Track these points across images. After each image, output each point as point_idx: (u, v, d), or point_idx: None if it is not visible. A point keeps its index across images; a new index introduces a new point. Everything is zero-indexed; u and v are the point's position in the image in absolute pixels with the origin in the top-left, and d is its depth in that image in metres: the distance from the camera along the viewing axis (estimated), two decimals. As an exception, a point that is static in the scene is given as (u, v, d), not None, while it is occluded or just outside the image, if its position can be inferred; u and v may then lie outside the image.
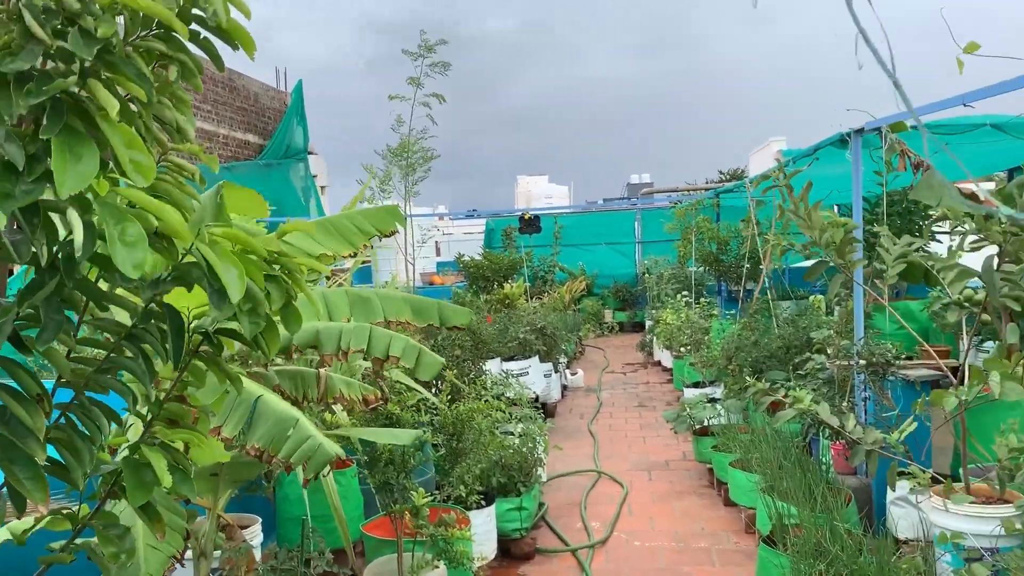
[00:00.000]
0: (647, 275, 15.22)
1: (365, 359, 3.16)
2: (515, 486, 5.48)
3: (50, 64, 1.27)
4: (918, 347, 5.30)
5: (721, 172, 32.98)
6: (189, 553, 3.32)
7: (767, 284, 8.33)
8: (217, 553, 3.56)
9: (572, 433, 8.89)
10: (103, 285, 1.43)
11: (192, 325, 1.53)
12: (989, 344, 5.68)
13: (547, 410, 9.45)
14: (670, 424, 7.27)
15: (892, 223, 6.56)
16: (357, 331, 3.07)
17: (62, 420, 1.46)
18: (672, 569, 5.11)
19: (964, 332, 5.06)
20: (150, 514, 1.48)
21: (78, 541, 1.59)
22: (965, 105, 4.14)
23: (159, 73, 1.37)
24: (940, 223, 6.91)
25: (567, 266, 17.10)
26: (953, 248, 3.77)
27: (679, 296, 11.24)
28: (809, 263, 3.94)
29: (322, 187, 16.60)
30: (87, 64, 1.24)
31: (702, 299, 11.04)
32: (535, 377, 9.31)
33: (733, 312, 10.21)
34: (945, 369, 4.13)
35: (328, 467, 2.49)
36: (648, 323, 13.76)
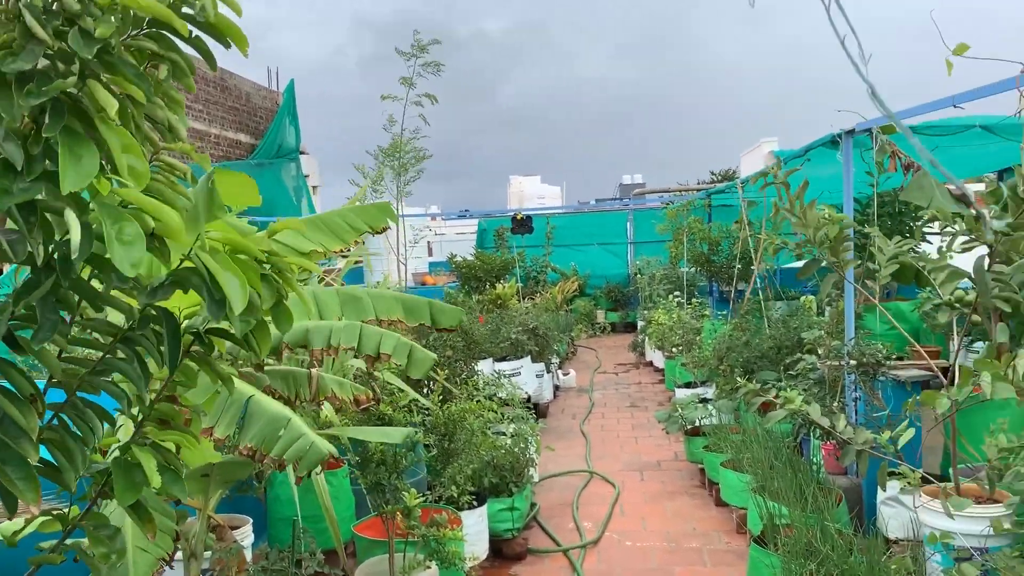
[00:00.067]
0: (639, 275, 15.25)
1: (356, 357, 3.15)
2: (507, 486, 5.48)
3: (48, 64, 1.27)
4: (909, 347, 5.32)
5: (713, 173, 33.06)
6: (179, 554, 3.31)
7: (758, 284, 8.35)
8: (208, 554, 3.54)
9: (564, 433, 8.90)
10: (96, 285, 1.43)
11: (183, 325, 1.53)
12: (979, 344, 5.70)
13: (539, 410, 9.46)
14: (662, 424, 7.28)
15: (883, 224, 6.59)
16: (347, 329, 3.06)
17: (55, 421, 1.46)
18: (664, 569, 5.12)
19: (955, 333, 5.08)
20: (140, 514, 1.47)
21: (68, 542, 1.59)
22: (955, 106, 4.16)
23: (150, 73, 1.37)
24: (930, 224, 6.95)
25: (559, 266, 17.11)
26: (943, 249, 3.79)
27: (671, 297, 11.26)
28: (800, 264, 3.95)
29: (314, 187, 16.57)
30: (87, 65, 1.24)
31: (694, 300, 11.07)
32: (527, 377, 9.31)
33: (724, 312, 10.24)
34: (936, 369, 4.15)
35: (320, 467, 2.48)
36: (640, 323, 13.78)
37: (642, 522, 6.00)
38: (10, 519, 1.40)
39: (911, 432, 3.43)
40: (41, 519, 1.59)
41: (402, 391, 5.00)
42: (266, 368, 3.15)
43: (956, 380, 3.13)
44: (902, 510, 4.39)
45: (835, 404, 5.10)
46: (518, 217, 14.78)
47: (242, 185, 1.77)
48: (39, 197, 1.24)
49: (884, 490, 4.43)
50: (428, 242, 21.50)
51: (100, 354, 1.48)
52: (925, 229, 6.69)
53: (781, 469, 4.72)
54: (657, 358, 12.07)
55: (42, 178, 1.23)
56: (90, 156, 1.21)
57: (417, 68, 8.23)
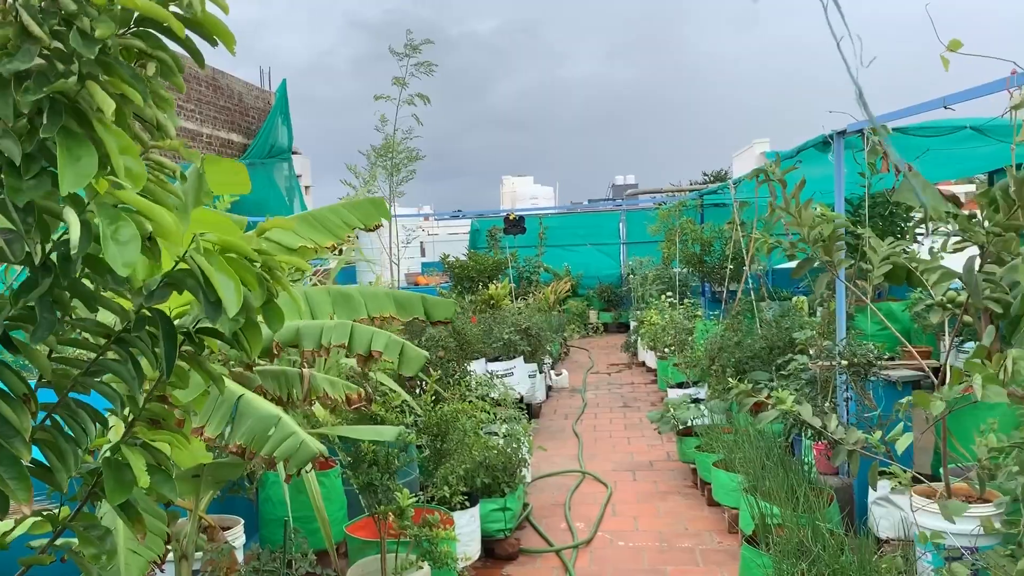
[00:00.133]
0: (632, 276, 15.27)
1: (348, 356, 3.14)
2: (499, 487, 5.48)
3: (45, 65, 1.27)
4: (900, 348, 5.34)
5: (705, 174, 33.17)
6: (170, 555, 3.30)
7: (749, 285, 8.36)
8: (199, 555, 3.53)
9: (557, 434, 8.90)
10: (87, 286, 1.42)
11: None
12: (970, 344, 5.73)
13: (532, 411, 9.46)
14: (654, 424, 7.29)
15: (874, 224, 6.61)
16: (338, 328, 3.05)
17: (47, 422, 1.45)
18: (656, 569, 5.13)
19: (946, 333, 5.10)
20: (130, 514, 1.47)
21: (59, 542, 1.58)
22: (946, 107, 4.17)
23: (139, 72, 1.37)
24: (921, 224, 6.97)
25: (552, 267, 17.11)
26: (935, 249, 3.80)
27: (663, 297, 11.28)
28: (792, 264, 3.96)
29: (306, 187, 16.54)
30: (85, 65, 1.24)
31: (686, 300, 11.09)
32: (520, 378, 9.31)
33: (717, 313, 10.26)
34: (927, 369, 4.16)
35: (311, 466, 2.48)
36: (633, 324, 13.79)
37: (634, 522, 6.00)
38: (0, 519, 1.39)
39: (909, 437, 3.44)
40: (32, 520, 1.59)
41: (394, 392, 4.99)
42: (258, 368, 3.14)
43: (947, 380, 3.14)
44: (893, 510, 4.40)
45: (826, 404, 5.12)
46: (511, 217, 14.78)
47: (232, 172, 1.77)
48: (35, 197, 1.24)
49: (875, 490, 4.45)
50: (421, 242, 21.47)
51: (89, 354, 1.47)
52: (916, 230, 6.71)
53: (773, 469, 4.73)
54: (650, 358, 12.08)
55: (42, 175, 1.23)
56: (88, 156, 1.22)
57: (410, 68, 8.22)
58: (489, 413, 5.74)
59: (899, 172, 5.00)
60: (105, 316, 1.50)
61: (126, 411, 1.54)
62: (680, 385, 8.68)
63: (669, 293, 11.59)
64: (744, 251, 8.72)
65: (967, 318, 3.54)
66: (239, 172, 1.80)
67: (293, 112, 15.70)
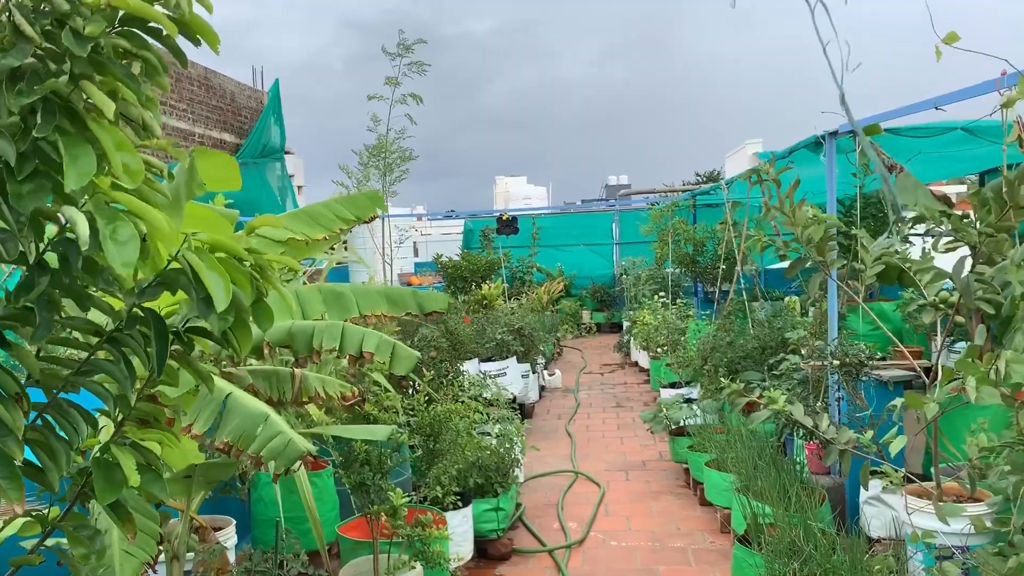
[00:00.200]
0: (625, 276, 15.28)
1: (339, 357, 3.13)
2: (492, 487, 5.47)
3: (38, 64, 1.27)
4: (891, 347, 5.35)
5: (698, 174, 33.23)
6: (162, 556, 3.28)
7: (741, 285, 8.38)
8: (190, 555, 3.52)
9: (549, 434, 8.90)
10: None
11: (164, 324, 1.52)
12: (961, 344, 5.75)
13: (525, 411, 9.46)
14: (647, 424, 7.29)
15: (866, 225, 6.63)
16: (330, 329, 3.03)
17: (38, 421, 1.45)
18: (648, 569, 5.13)
19: (938, 333, 5.12)
20: (120, 514, 1.46)
21: (51, 543, 1.57)
22: (937, 108, 4.19)
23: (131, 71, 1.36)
24: (912, 225, 6.99)
25: (545, 267, 17.11)
26: (927, 250, 3.81)
27: (656, 297, 11.29)
28: (784, 264, 3.97)
29: (299, 187, 16.49)
30: (77, 65, 1.24)
31: (679, 300, 11.10)
32: (513, 378, 9.30)
33: (709, 313, 10.27)
34: (918, 369, 4.17)
35: (299, 464, 2.47)
36: (625, 324, 13.80)
37: (627, 522, 6.01)
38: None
39: (902, 440, 3.45)
40: (23, 520, 1.58)
41: (387, 391, 4.98)
42: (249, 368, 3.13)
43: (938, 380, 3.14)
44: (884, 509, 4.42)
45: (818, 404, 5.13)
46: (504, 218, 14.78)
47: (223, 166, 1.76)
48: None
49: (867, 489, 4.46)
50: (414, 243, 21.45)
51: (79, 353, 1.46)
52: (907, 230, 6.71)
53: (765, 469, 4.74)
54: (642, 358, 12.09)
55: (37, 176, 1.24)
56: (86, 155, 1.23)
57: (403, 68, 8.21)
58: (482, 413, 5.74)
59: (893, 170, 5.02)
60: (95, 316, 1.49)
61: (116, 411, 1.54)
62: (673, 385, 8.69)
63: (662, 293, 11.60)
64: (736, 251, 8.74)
65: (959, 318, 3.55)
66: (230, 166, 1.79)
67: (286, 112, 15.65)
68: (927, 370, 4.46)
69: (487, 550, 5.40)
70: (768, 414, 3.74)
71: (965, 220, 3.22)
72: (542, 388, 11.17)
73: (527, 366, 9.90)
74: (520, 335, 9.74)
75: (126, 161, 1.27)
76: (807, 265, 3.85)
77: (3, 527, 1.61)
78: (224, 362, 3.05)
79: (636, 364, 12.91)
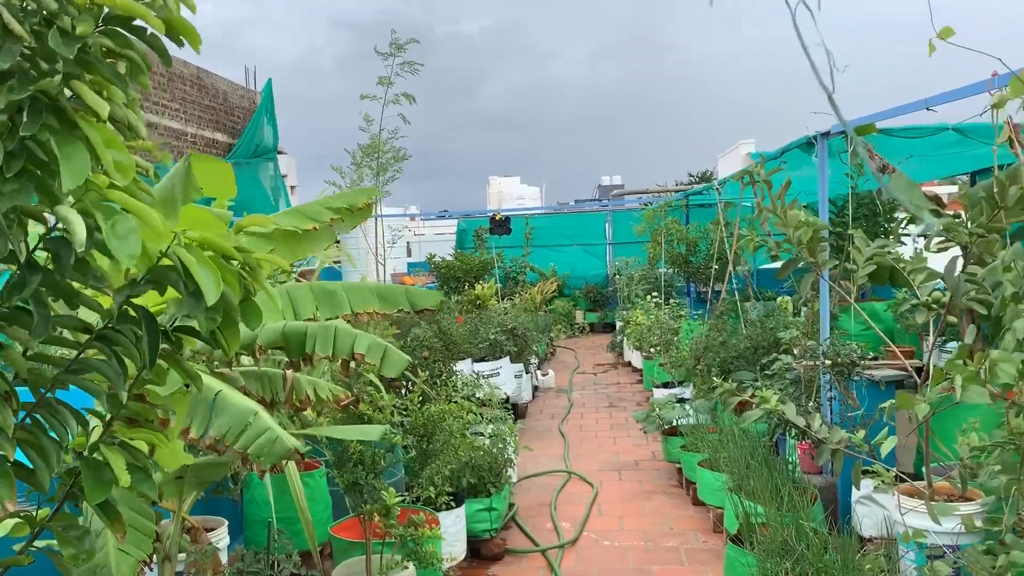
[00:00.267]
0: (618, 276, 15.30)
1: (331, 361, 3.12)
2: (485, 487, 5.47)
3: (26, 64, 1.27)
4: (883, 347, 5.37)
5: (691, 174, 33.29)
6: (153, 557, 3.27)
7: (733, 285, 8.39)
8: (182, 556, 3.51)
9: (543, 434, 8.91)
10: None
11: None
12: (952, 344, 5.77)
13: (518, 411, 9.45)
14: (640, 424, 7.31)
15: (858, 225, 6.65)
16: (322, 332, 3.02)
17: (27, 420, 1.44)
18: (641, 569, 5.14)
19: (930, 333, 5.14)
20: (109, 514, 1.45)
21: (41, 544, 1.57)
22: (928, 109, 4.20)
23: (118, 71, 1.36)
24: (905, 225, 7.01)
25: (538, 267, 17.12)
26: (919, 250, 3.83)
27: (649, 297, 11.31)
28: (777, 265, 3.98)
29: (292, 186, 16.47)
30: (65, 64, 1.24)
31: (672, 300, 11.12)
32: (506, 378, 9.30)
33: (702, 313, 10.29)
34: (910, 369, 4.19)
35: (294, 465, 2.46)
36: (619, 324, 13.82)
37: (620, 522, 6.01)
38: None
39: (893, 441, 3.46)
40: (12, 522, 1.57)
41: (381, 393, 4.98)
42: (241, 369, 3.12)
43: (930, 380, 3.15)
44: (876, 509, 4.43)
45: (810, 404, 5.14)
46: (497, 218, 14.78)
47: (218, 173, 1.76)
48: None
49: (858, 489, 4.47)
50: (407, 243, 21.42)
51: (67, 351, 1.46)
52: (899, 230, 6.76)
53: (757, 468, 4.75)
54: (635, 358, 12.11)
55: (23, 176, 1.23)
56: (80, 154, 1.23)
57: (395, 68, 8.19)
58: (475, 413, 5.73)
59: (885, 171, 5.04)
60: (86, 315, 1.49)
61: (107, 409, 1.53)
62: (665, 385, 8.70)
63: (655, 293, 11.62)
64: (728, 251, 8.75)
65: (951, 318, 3.56)
66: (225, 172, 1.79)
67: (279, 112, 15.63)
68: (919, 370, 4.48)
69: (480, 550, 5.40)
70: (760, 413, 3.74)
71: (956, 220, 3.23)
72: (535, 388, 11.17)
73: (520, 366, 9.90)
74: (513, 335, 9.74)
75: (117, 159, 1.27)
76: (799, 266, 3.86)
77: (-8, 528, 1.61)
78: (216, 362, 3.04)
79: (629, 364, 12.92)
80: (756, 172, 3.96)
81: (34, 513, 1.54)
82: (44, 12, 1.24)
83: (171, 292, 1.45)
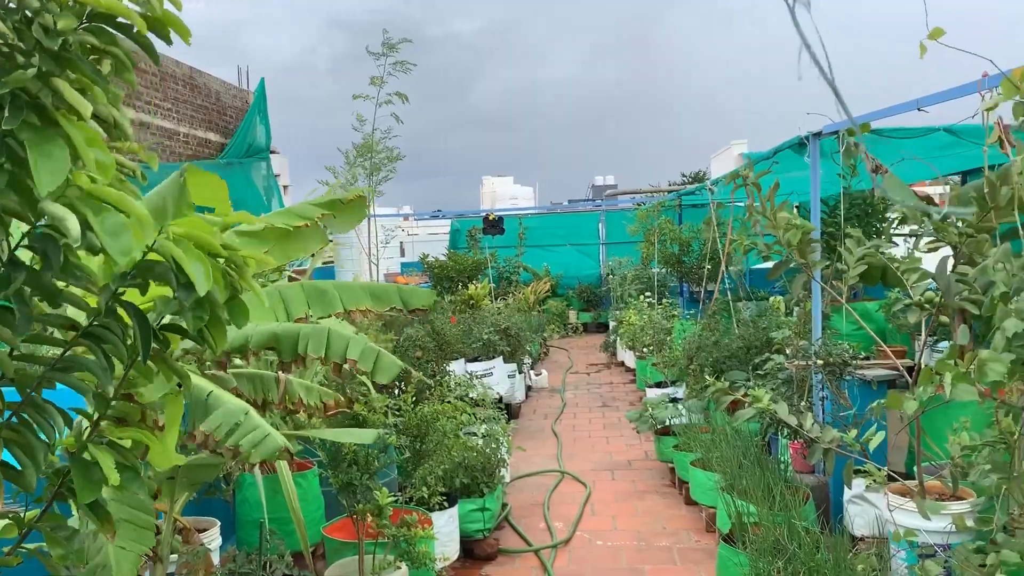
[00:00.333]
0: (611, 276, 15.30)
1: (324, 364, 3.11)
2: (478, 487, 5.47)
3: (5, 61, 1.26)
4: (875, 347, 5.38)
5: (684, 174, 33.34)
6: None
7: (726, 285, 8.41)
8: (174, 557, 3.50)
9: (536, 433, 8.91)
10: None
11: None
12: (944, 344, 5.79)
13: (511, 411, 9.46)
14: (633, 424, 7.31)
15: (850, 225, 6.67)
16: (315, 334, 3.02)
17: (14, 419, 1.43)
18: (634, 568, 5.14)
19: (922, 332, 5.16)
20: (99, 514, 1.45)
21: (32, 546, 1.56)
22: (920, 109, 4.22)
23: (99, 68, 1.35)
24: (897, 225, 7.04)
25: (532, 267, 17.12)
26: (910, 250, 3.84)
27: (642, 297, 11.32)
28: (769, 265, 3.99)
29: (285, 186, 16.42)
30: (45, 62, 1.23)
31: (664, 300, 11.13)
32: (499, 378, 9.30)
33: (694, 313, 10.30)
34: (901, 369, 4.20)
35: (286, 466, 2.46)
36: (612, 324, 13.83)
37: (613, 521, 6.02)
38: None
39: (880, 435, 3.47)
40: (1, 523, 1.56)
41: (371, 394, 4.97)
42: (233, 370, 3.11)
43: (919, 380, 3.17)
44: (868, 508, 4.44)
45: (803, 403, 5.15)
46: (490, 218, 14.77)
47: (212, 186, 1.75)
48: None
49: (850, 488, 4.49)
50: (401, 243, 21.40)
51: (55, 350, 1.45)
52: (892, 231, 6.77)
53: (749, 468, 4.76)
54: (628, 358, 12.11)
55: (2, 174, 1.22)
56: (60, 151, 1.22)
57: (387, 67, 8.19)
58: (468, 414, 5.73)
59: (878, 171, 5.05)
60: (74, 313, 1.48)
61: (94, 408, 1.53)
62: (658, 385, 8.71)
63: (648, 293, 11.62)
64: (721, 252, 8.77)
65: (943, 318, 3.58)
66: (219, 187, 1.77)
67: (272, 112, 15.58)
68: (910, 369, 4.49)
69: (473, 550, 5.40)
70: (752, 412, 3.75)
71: (946, 220, 3.24)
72: (528, 388, 11.17)
73: (513, 366, 9.90)
74: (507, 335, 9.74)
75: (98, 157, 1.26)
76: (791, 266, 3.87)
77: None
78: (208, 363, 3.03)
79: (622, 364, 12.93)
80: (744, 175, 3.96)
81: (22, 514, 1.53)
82: (25, 10, 1.23)
83: (156, 290, 1.44)
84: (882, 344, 4.49)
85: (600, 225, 19.25)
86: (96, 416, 1.52)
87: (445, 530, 4.91)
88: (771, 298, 7.85)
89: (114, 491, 1.50)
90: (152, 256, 1.38)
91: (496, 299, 13.26)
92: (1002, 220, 3.06)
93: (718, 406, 4.09)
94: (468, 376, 7.47)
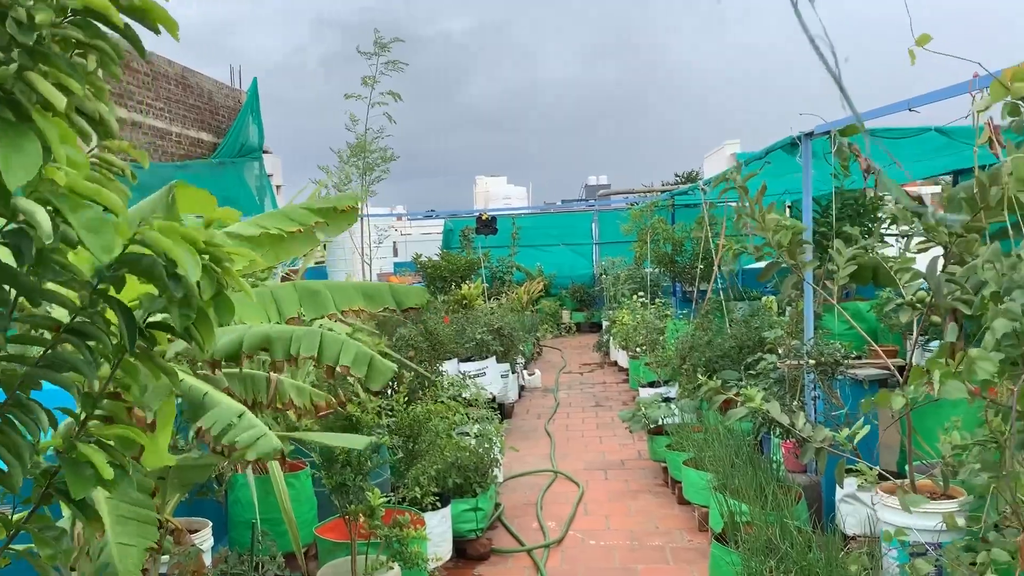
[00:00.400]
0: (604, 276, 15.32)
1: (316, 367, 3.10)
2: (471, 487, 5.47)
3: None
4: (867, 347, 5.40)
5: (677, 174, 33.41)
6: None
7: (718, 285, 8.43)
8: (165, 558, 3.49)
9: (529, 433, 8.91)
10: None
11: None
12: (936, 343, 5.81)
13: (504, 411, 9.46)
14: (625, 424, 7.32)
15: (842, 225, 6.68)
16: (308, 336, 3.01)
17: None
18: (627, 568, 5.15)
19: (914, 332, 5.18)
20: (87, 512, 1.44)
21: (18, 546, 1.56)
22: (911, 110, 4.23)
23: (79, 63, 1.34)
24: (888, 225, 7.06)
25: (525, 267, 17.13)
26: (901, 250, 3.85)
27: (635, 297, 11.33)
28: (762, 264, 4.00)
29: (277, 186, 16.39)
30: (20, 56, 1.22)
31: (657, 300, 11.15)
32: (492, 378, 9.30)
33: (687, 312, 10.32)
34: (892, 368, 4.22)
35: (279, 466, 2.45)
36: (605, 323, 13.84)
37: (606, 521, 6.02)
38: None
39: (866, 429, 3.48)
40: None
41: (367, 391, 4.96)
42: (225, 371, 3.10)
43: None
44: (860, 507, 4.45)
45: (795, 403, 5.17)
46: (483, 218, 14.77)
47: (202, 201, 1.74)
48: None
49: (842, 487, 4.50)
50: (394, 242, 21.38)
51: (46, 350, 1.44)
52: (883, 230, 6.78)
53: (742, 467, 4.77)
54: (621, 358, 12.13)
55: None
56: (32, 145, 1.20)
57: (379, 67, 8.17)
58: (461, 414, 5.73)
59: (870, 171, 5.07)
60: (60, 313, 1.47)
61: (81, 406, 1.52)
62: (651, 384, 8.72)
63: (641, 293, 11.64)
64: (714, 251, 8.79)
65: (934, 317, 3.59)
66: (207, 199, 1.77)
67: (265, 111, 15.55)
68: (901, 369, 4.51)
69: (466, 550, 5.40)
70: (745, 412, 3.76)
71: (937, 222, 3.26)
72: (522, 388, 11.17)
73: (507, 366, 9.90)
74: (500, 335, 9.74)
75: (70, 154, 1.24)
76: (782, 266, 3.88)
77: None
78: (200, 363, 3.02)
79: (615, 364, 12.94)
80: (732, 178, 3.97)
81: (10, 515, 1.52)
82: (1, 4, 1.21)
83: (140, 288, 1.42)
84: (873, 344, 4.51)
85: (593, 225, 19.26)
86: (84, 416, 1.51)
87: (438, 530, 4.91)
88: (763, 298, 7.87)
89: (109, 490, 1.49)
90: (135, 248, 1.36)
91: (489, 299, 13.26)
92: (992, 220, 3.07)
93: (711, 405, 4.09)
94: (461, 376, 7.47)
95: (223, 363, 2.91)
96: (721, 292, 8.28)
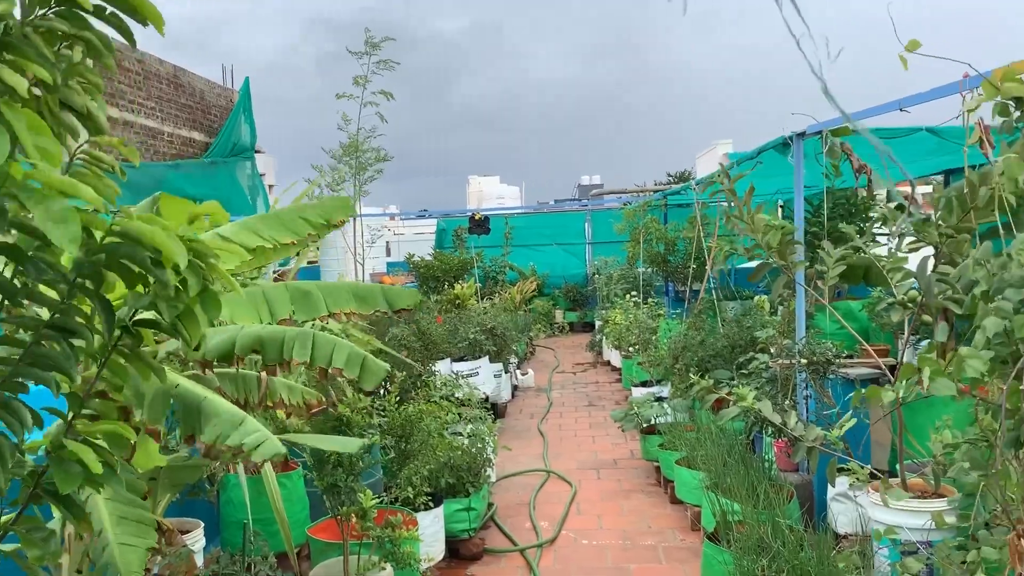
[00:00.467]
0: (597, 275, 15.32)
1: (309, 369, 3.09)
2: (464, 487, 5.46)
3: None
4: (858, 346, 5.41)
5: (670, 174, 33.44)
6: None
7: (711, 284, 8.44)
8: (157, 559, 3.47)
9: (522, 433, 8.91)
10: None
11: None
12: (926, 342, 5.82)
13: (497, 410, 9.45)
14: (618, 423, 7.33)
15: (834, 225, 6.70)
16: (300, 338, 3.00)
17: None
18: (619, 567, 5.15)
19: (905, 331, 5.20)
20: (75, 512, 1.43)
21: (6, 547, 1.55)
22: (902, 110, 4.24)
23: (65, 55, 1.32)
24: (881, 225, 7.08)
25: (518, 266, 17.12)
26: (891, 250, 3.87)
27: (628, 296, 11.34)
28: (753, 264, 4.01)
29: (270, 186, 16.37)
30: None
31: (650, 299, 11.16)
32: (485, 377, 9.30)
33: (680, 312, 10.33)
34: (883, 367, 4.23)
35: (271, 466, 2.45)
36: (598, 323, 13.85)
37: (598, 520, 6.03)
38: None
39: (853, 421, 3.49)
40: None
41: (358, 391, 4.95)
42: (216, 371, 3.09)
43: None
44: (851, 505, 4.47)
45: (787, 402, 5.18)
46: (476, 217, 14.75)
47: (187, 211, 1.73)
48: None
49: (833, 486, 4.51)
50: (387, 242, 21.35)
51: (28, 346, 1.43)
52: (874, 230, 6.82)
53: (734, 466, 4.78)
54: (614, 357, 12.14)
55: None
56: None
57: (371, 66, 8.16)
58: (454, 413, 5.72)
59: (862, 171, 5.08)
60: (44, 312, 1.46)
61: (65, 398, 1.51)
62: (644, 384, 8.72)
63: (634, 292, 11.65)
64: (706, 251, 8.80)
65: (926, 317, 3.61)
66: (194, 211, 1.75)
67: (258, 111, 15.52)
68: (892, 368, 4.52)
69: (459, 550, 5.40)
70: (737, 411, 3.77)
71: (927, 221, 3.27)
72: (515, 388, 11.17)
73: (499, 366, 9.89)
74: (493, 335, 9.74)
75: (41, 144, 1.21)
76: (773, 267, 3.89)
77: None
78: (191, 363, 3.01)
79: (608, 363, 12.95)
80: (720, 180, 3.98)
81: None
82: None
83: (122, 289, 1.41)
84: (864, 343, 4.52)
85: (586, 225, 19.27)
86: (71, 414, 1.50)
87: (430, 530, 4.91)
88: (756, 297, 7.88)
89: (98, 487, 1.48)
90: (111, 239, 1.33)
91: (482, 299, 13.25)
92: (982, 220, 3.08)
93: (703, 405, 4.10)
94: (454, 376, 7.46)
95: (215, 363, 2.90)
96: (713, 292, 8.29)
